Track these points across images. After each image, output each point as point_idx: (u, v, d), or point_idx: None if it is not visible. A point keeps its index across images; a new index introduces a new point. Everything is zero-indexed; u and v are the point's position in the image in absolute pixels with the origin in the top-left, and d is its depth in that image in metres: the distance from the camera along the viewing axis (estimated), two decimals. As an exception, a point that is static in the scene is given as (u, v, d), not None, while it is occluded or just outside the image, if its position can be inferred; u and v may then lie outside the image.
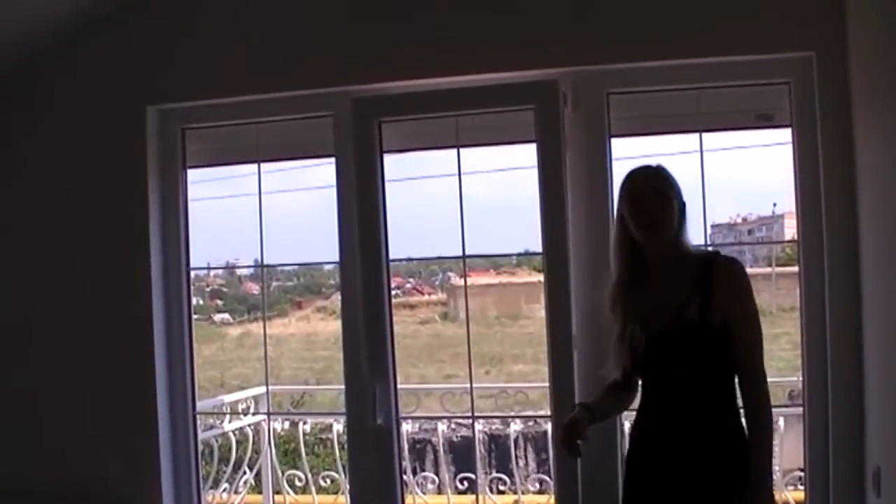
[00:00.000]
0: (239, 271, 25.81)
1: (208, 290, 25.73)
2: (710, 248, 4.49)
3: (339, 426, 7.59)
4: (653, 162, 4.14)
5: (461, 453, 10.95)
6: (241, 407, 7.50)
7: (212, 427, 7.07)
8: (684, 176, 4.11)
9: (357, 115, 5.17)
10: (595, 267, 4.95)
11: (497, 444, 12.77)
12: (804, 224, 4.90)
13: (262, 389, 7.11)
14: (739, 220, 24.58)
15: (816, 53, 4.79)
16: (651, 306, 4.01)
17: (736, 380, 3.95)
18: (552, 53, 5.05)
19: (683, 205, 4.06)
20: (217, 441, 7.30)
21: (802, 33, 4.81)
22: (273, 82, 5.39)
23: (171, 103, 5.63)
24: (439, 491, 8.36)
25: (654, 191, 3.99)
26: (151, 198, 5.58)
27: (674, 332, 3.93)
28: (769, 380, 3.95)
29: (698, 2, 4.93)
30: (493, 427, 11.84)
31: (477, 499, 6.83)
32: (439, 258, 16.04)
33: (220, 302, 26.58)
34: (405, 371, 20.64)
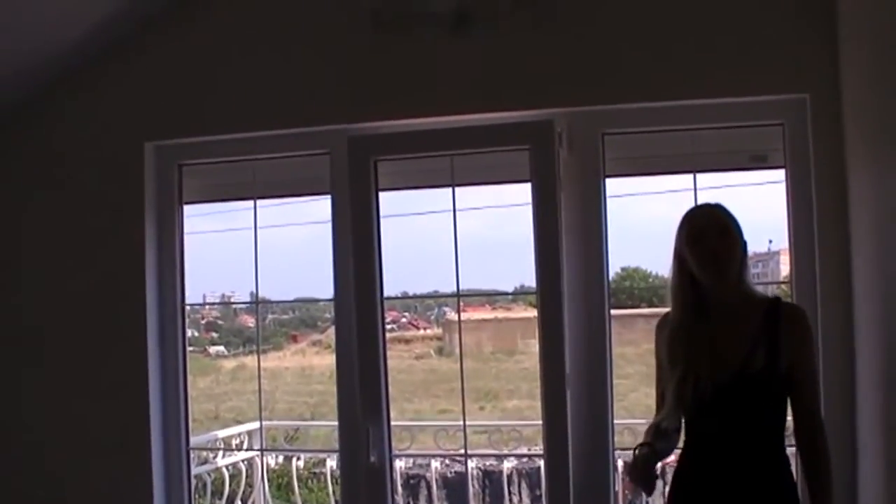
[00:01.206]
0: (234, 304, 25.67)
1: (203, 322, 25.56)
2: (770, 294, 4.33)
3: (332, 462, 7.59)
4: (711, 200, 4.07)
5: (454, 489, 10.92)
6: (234, 442, 7.49)
7: (205, 462, 7.05)
8: (676, 214, 4.04)
9: (353, 153, 5.20)
10: (589, 305, 5.02)
11: (491, 480, 12.69)
12: (797, 264, 4.89)
13: (256, 425, 7.10)
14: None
15: (810, 95, 4.80)
16: (717, 351, 3.82)
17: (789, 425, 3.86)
18: (548, 94, 5.08)
19: (745, 244, 3.92)
20: (210, 476, 7.28)
21: (796, 75, 4.81)
22: (270, 120, 5.41)
23: (168, 139, 5.65)
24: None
25: (719, 228, 3.86)
26: (148, 233, 5.59)
27: (742, 380, 3.76)
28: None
29: (693, 44, 4.94)
30: (487, 463, 11.77)
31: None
32: (434, 294, 16.01)
33: (215, 334, 26.40)
34: (400, 406, 20.45)
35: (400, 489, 10.29)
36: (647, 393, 4.27)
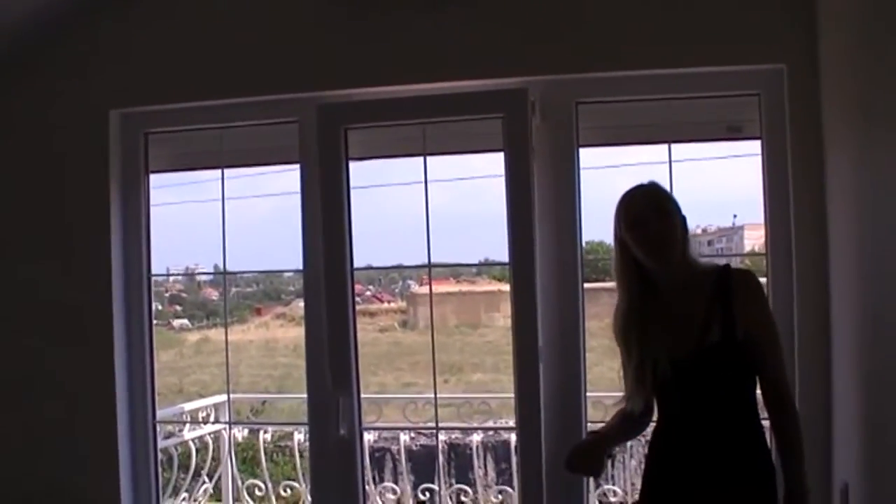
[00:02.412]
0: (198, 277, 25.61)
1: (167, 295, 25.51)
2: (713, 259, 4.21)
3: (299, 435, 7.49)
4: (644, 179, 3.95)
5: (421, 463, 10.82)
6: (201, 415, 7.38)
7: (171, 435, 6.95)
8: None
9: (322, 122, 5.08)
10: (562, 278, 4.96)
11: (457, 454, 12.64)
12: (773, 236, 4.82)
13: (223, 398, 7.00)
14: (699, 231, 24.64)
15: (787, 66, 4.72)
16: (671, 331, 3.77)
17: (758, 392, 3.79)
18: (521, 62, 4.98)
19: (684, 219, 3.86)
20: (177, 449, 7.18)
21: (773, 45, 4.74)
22: (237, 87, 5.29)
23: (134, 107, 5.52)
24: (399, 502, 8.22)
25: (658, 212, 3.78)
26: (113, 202, 5.47)
27: (700, 355, 3.70)
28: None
29: (669, 12, 4.85)
30: (453, 436, 11.70)
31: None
32: (400, 266, 15.95)
33: (179, 307, 26.32)
34: (365, 379, 20.40)
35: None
36: (611, 367, 4.22)
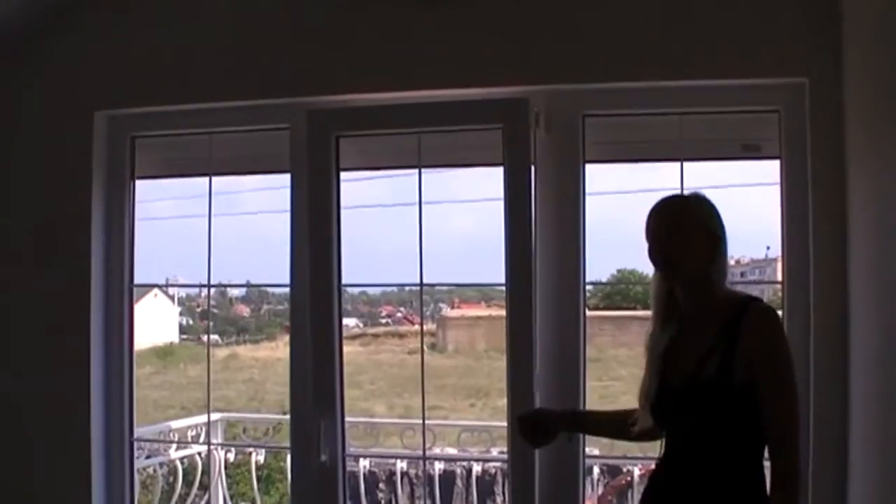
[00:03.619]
0: (230, 293, 25.85)
1: (199, 310, 25.72)
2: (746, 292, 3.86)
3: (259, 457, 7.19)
4: (687, 190, 3.71)
5: (446, 488, 10.52)
6: (190, 434, 7.04)
7: (150, 455, 6.66)
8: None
9: (313, 128, 4.78)
10: (562, 304, 4.65)
11: (479, 481, 12.38)
12: (790, 264, 4.49)
13: (215, 416, 6.71)
14: (732, 262, 24.40)
15: (809, 80, 4.38)
16: (675, 358, 3.49)
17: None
18: (524, 70, 4.67)
19: (717, 238, 3.49)
20: (162, 468, 6.87)
21: (795, 58, 4.40)
22: (227, 90, 5.00)
23: (121, 109, 5.23)
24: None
25: (669, 228, 3.47)
26: (95, 208, 5.18)
27: (688, 390, 3.39)
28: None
29: (684, 22, 4.54)
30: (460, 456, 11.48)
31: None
32: (401, 285, 15.86)
33: (210, 324, 26.52)
34: (390, 401, 20.49)
35: (382, 485, 9.94)
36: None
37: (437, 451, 7.62)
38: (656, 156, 4.98)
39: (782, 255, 4.55)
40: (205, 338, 25.60)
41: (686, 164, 4.62)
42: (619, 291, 19.90)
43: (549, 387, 4.62)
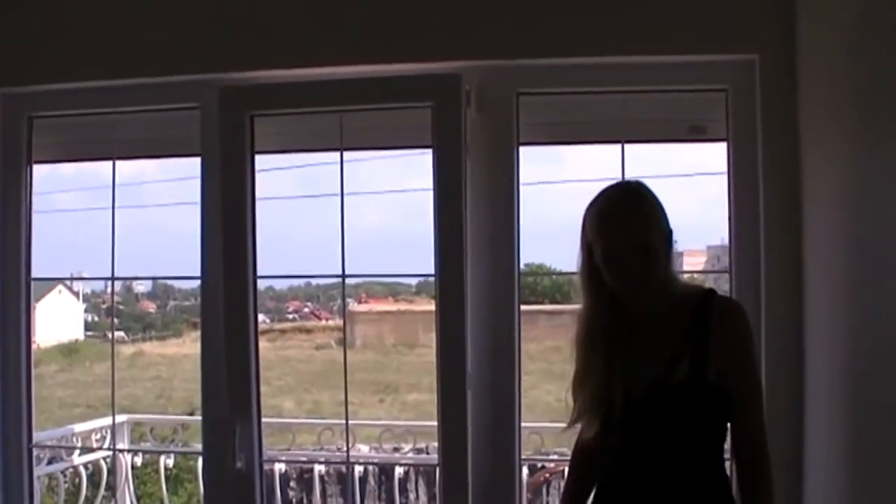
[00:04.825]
0: (137, 289, 25.65)
1: (104, 307, 25.42)
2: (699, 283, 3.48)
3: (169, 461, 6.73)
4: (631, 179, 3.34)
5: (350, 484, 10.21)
6: (95, 437, 6.55)
7: (53, 459, 6.18)
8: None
9: (225, 107, 4.35)
10: (495, 297, 4.29)
11: (388, 477, 12.09)
12: (738, 254, 4.18)
13: (121, 418, 6.23)
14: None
15: (760, 56, 4.10)
16: (635, 359, 3.12)
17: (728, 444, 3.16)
18: (455, 44, 4.31)
19: (670, 237, 3.13)
20: (66, 475, 6.39)
21: (744, 33, 4.12)
22: (132, 66, 4.52)
23: (15, 87, 4.75)
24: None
25: (639, 247, 3.02)
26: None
27: (659, 393, 3.06)
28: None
29: (625, -6, 4.20)
30: (375, 459, 11.17)
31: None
32: (322, 276, 15.56)
33: (116, 320, 26.23)
34: (299, 396, 20.30)
35: (293, 483, 9.60)
36: (549, 390, 3.56)
37: (357, 450, 7.23)
38: (595, 137, 4.64)
39: (730, 244, 4.23)
40: (111, 335, 25.28)
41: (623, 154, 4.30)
42: (528, 285, 19.82)
43: (482, 383, 4.28)
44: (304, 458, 7.34)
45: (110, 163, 4.76)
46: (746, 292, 4.09)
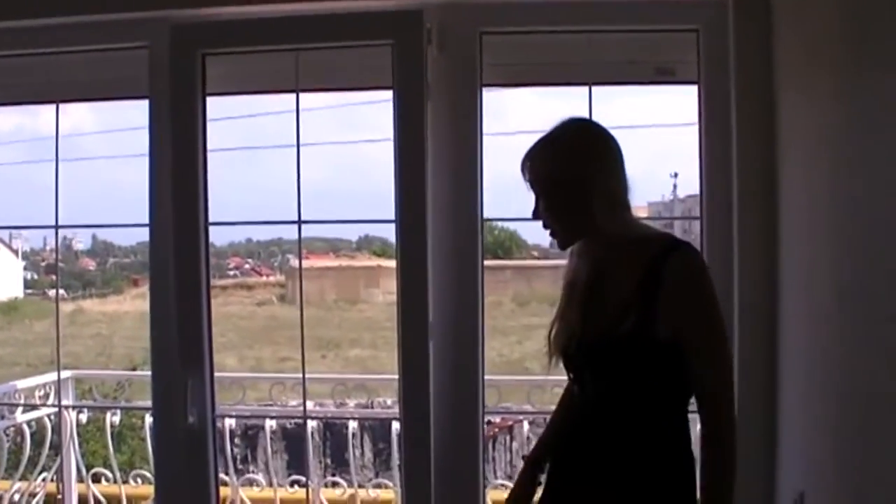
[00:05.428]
0: (76, 246, 25.43)
1: (44, 264, 25.17)
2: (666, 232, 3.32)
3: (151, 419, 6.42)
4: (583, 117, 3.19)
5: (296, 442, 10.04)
6: (38, 394, 6.25)
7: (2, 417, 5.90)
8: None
9: (176, 46, 4.09)
10: (456, 243, 4.09)
11: (332, 433, 11.96)
12: (710, 206, 4.02)
13: (65, 374, 5.93)
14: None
15: (733, -7, 3.86)
16: (592, 306, 2.99)
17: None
18: (415, -24, 4.02)
19: (579, 181, 2.93)
20: (8, 434, 6.11)
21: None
22: (76, 3, 4.21)
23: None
24: (270, 483, 7.26)
25: (534, 186, 2.99)
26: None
27: (607, 343, 2.92)
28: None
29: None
30: (329, 414, 10.99)
31: (308, 495, 5.79)
32: (278, 242, 15.47)
33: (55, 277, 26.00)
34: (240, 353, 20.23)
35: (230, 443, 9.40)
36: (492, 346, 3.37)
37: (299, 406, 7.01)
38: (560, 79, 4.43)
39: (700, 196, 4.06)
40: (50, 292, 24.99)
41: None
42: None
43: (444, 338, 4.08)
44: (261, 414, 7.11)
45: (46, 117, 4.48)
46: (718, 241, 3.95)
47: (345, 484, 6.79)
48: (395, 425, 5.47)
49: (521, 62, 4.32)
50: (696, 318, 2.86)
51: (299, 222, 4.29)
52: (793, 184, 3.67)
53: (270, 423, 6.58)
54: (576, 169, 2.92)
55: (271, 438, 6.67)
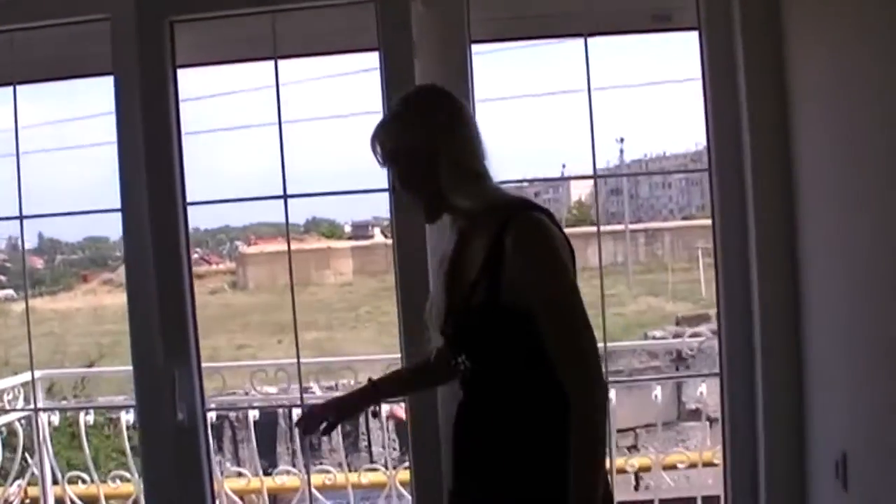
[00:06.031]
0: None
1: None
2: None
3: (128, 416, 6.06)
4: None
5: (264, 430, 9.78)
6: (7, 397, 5.87)
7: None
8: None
9: (142, 12, 3.76)
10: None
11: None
12: (718, 155, 3.76)
13: (34, 375, 5.58)
14: (525, 184, 24.64)
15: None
16: (454, 278, 2.95)
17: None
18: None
19: (425, 148, 2.84)
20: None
21: None
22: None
23: None
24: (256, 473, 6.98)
25: (381, 160, 2.93)
26: None
27: (465, 314, 2.86)
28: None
29: None
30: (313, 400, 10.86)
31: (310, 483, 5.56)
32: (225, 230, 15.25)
33: (3, 278, 25.65)
34: None
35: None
36: None
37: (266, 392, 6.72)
38: (554, 31, 4.19)
39: (708, 147, 3.81)
40: (0, 293, 24.64)
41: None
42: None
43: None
44: (258, 404, 6.80)
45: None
46: (729, 199, 3.72)
47: (334, 471, 6.55)
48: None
49: (510, 16, 4.04)
50: (538, 284, 2.77)
51: (285, 197, 3.97)
52: (809, 133, 3.44)
53: (254, 414, 6.28)
54: (421, 140, 2.84)
55: (238, 428, 6.42)
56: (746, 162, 3.65)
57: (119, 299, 20.87)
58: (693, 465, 6.25)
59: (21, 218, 4.31)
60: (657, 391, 6.30)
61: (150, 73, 3.78)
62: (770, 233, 3.65)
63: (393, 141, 2.86)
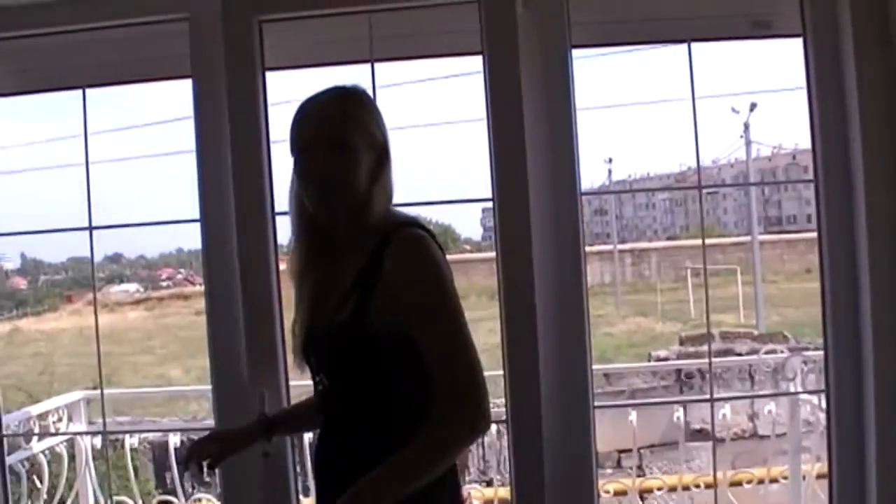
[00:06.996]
0: (5, 266, 25.09)
1: None
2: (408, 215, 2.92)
3: (175, 438, 5.77)
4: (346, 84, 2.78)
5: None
6: (51, 419, 5.55)
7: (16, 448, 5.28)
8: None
9: (228, 11, 3.52)
10: (557, 226, 3.56)
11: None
12: (825, 158, 3.55)
13: (77, 395, 5.28)
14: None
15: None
16: (321, 294, 2.78)
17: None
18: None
19: (382, 146, 2.73)
20: (25, 466, 5.47)
21: None
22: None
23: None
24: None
25: (330, 141, 2.64)
26: None
27: (329, 332, 2.69)
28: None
29: None
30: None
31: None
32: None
33: None
34: (184, 363, 19.62)
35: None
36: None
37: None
38: (659, 36, 3.92)
39: (814, 173, 3.61)
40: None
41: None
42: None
43: (553, 332, 3.55)
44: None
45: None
46: (836, 210, 3.53)
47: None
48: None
49: (611, 20, 3.80)
50: (416, 306, 2.59)
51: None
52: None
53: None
54: (383, 138, 2.73)
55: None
56: (857, 172, 3.44)
57: (105, 320, 20.63)
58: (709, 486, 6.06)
59: (90, 229, 4.07)
60: (679, 412, 6.38)
61: (238, 75, 3.53)
62: (881, 244, 3.44)
63: (359, 129, 2.66)
